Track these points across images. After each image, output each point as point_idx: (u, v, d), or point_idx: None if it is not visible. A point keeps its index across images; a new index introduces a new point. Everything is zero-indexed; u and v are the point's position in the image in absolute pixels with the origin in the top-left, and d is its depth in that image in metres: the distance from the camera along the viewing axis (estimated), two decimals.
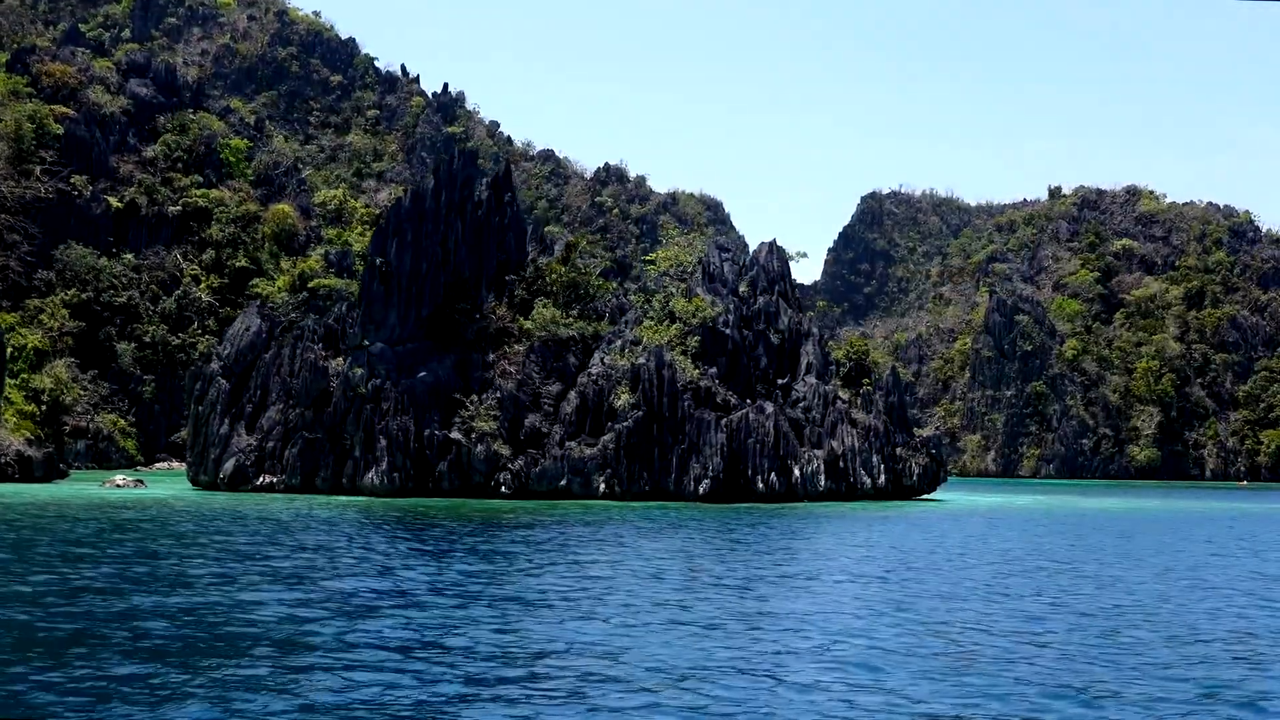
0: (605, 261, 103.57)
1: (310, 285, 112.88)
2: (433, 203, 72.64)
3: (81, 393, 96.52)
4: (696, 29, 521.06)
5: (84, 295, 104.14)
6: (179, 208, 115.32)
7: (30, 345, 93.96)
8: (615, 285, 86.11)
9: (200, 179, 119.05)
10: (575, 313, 74.05)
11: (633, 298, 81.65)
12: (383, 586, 25.96)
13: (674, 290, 78.63)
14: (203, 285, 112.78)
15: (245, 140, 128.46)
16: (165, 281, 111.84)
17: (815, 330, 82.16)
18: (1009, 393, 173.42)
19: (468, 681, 16.33)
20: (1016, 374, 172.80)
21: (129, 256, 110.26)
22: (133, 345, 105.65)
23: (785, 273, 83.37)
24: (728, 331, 74.87)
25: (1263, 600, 27.36)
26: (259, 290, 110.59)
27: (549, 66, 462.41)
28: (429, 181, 74.92)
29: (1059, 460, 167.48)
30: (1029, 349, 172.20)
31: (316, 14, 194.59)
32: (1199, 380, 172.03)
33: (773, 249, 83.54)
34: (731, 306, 76.44)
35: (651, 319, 74.65)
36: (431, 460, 65.33)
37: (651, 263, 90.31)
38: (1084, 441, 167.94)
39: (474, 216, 74.25)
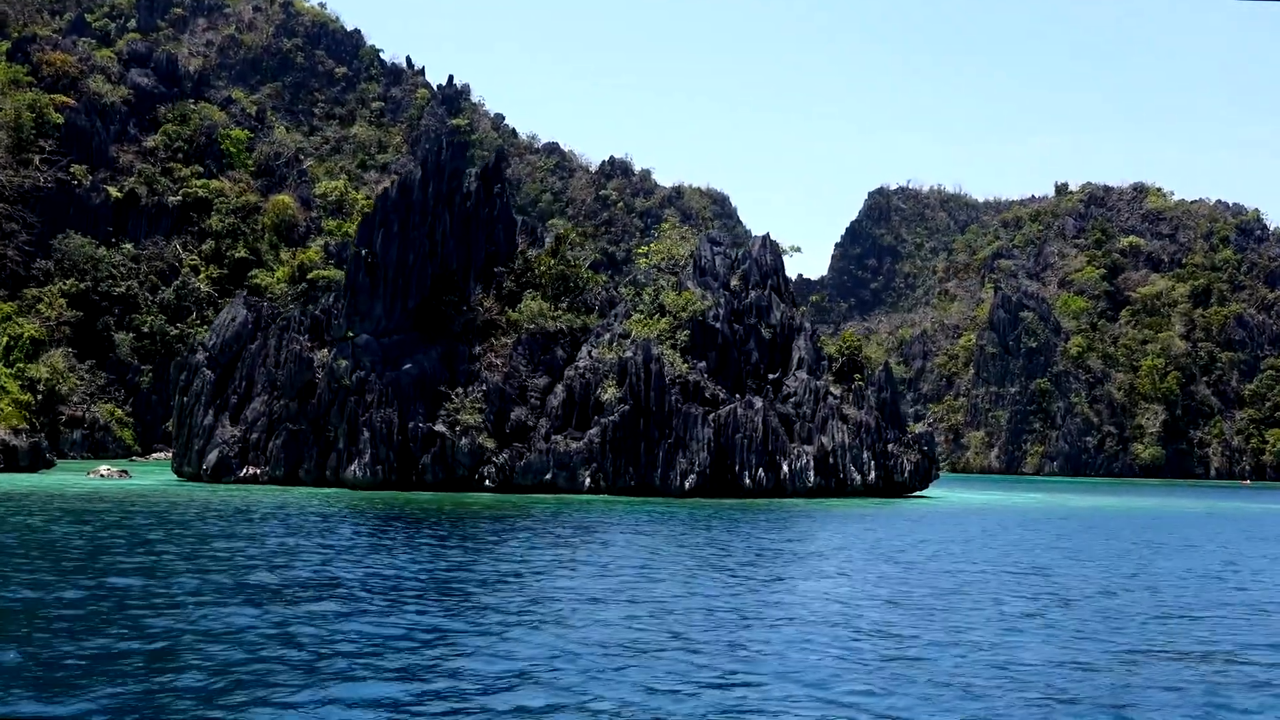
0: (595, 254, 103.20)
1: (310, 276, 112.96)
2: (420, 194, 72.30)
3: (78, 382, 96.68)
4: (703, 22, 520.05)
5: (82, 285, 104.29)
6: (179, 198, 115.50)
7: (27, 334, 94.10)
8: (605, 278, 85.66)
9: (200, 169, 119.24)
10: (564, 305, 73.68)
11: (623, 291, 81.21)
12: (318, 579, 25.68)
13: (664, 283, 78.13)
14: (202, 276, 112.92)
15: (246, 131, 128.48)
16: (164, 272, 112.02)
17: (808, 325, 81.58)
18: (1013, 389, 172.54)
19: (373, 680, 16.04)
20: (1021, 371, 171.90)
21: (128, 246, 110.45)
22: (131, 335, 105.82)
23: (779, 267, 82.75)
24: (718, 325, 74.36)
25: (1218, 605, 26.97)
26: (258, 281, 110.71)
27: (554, 59, 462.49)
28: (417, 172, 74.58)
29: (1063, 458, 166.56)
30: (1034, 346, 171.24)
31: (322, 5, 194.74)
32: (1204, 379, 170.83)
33: (766, 243, 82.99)
34: (722, 300, 75.88)
35: (641, 312, 74.18)
36: (415, 453, 65.04)
37: (644, 255, 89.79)
38: (1088, 439, 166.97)
39: (462, 208, 73.94)
